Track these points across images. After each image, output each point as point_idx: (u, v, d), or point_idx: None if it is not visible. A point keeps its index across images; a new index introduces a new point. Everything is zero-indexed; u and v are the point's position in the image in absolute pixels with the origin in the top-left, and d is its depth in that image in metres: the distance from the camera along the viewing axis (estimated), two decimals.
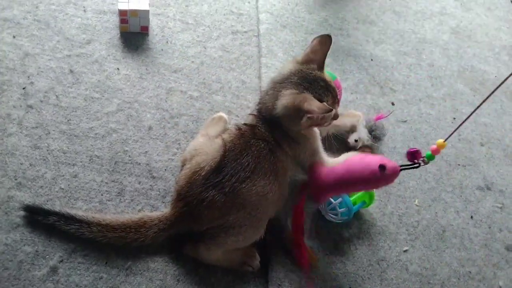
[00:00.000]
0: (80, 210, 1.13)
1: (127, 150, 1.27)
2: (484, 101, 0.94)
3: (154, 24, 1.57)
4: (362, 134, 1.38)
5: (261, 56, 1.59)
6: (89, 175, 1.21)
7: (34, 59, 1.37)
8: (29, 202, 1.11)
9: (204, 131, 1.29)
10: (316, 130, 1.20)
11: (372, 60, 1.72)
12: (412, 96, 1.65)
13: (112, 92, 1.37)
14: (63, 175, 1.19)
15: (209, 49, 1.57)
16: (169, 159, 1.29)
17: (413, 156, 1.03)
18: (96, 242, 1.08)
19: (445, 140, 0.98)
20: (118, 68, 1.43)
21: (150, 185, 1.23)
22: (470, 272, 1.29)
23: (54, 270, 1.05)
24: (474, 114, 0.96)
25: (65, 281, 1.05)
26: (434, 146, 1.00)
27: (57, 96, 1.32)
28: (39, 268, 1.05)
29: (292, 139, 1.14)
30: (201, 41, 1.58)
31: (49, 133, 1.25)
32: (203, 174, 1.07)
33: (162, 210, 1.19)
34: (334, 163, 1.17)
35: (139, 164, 1.26)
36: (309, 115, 1.03)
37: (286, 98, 1.09)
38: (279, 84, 1.13)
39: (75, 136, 1.26)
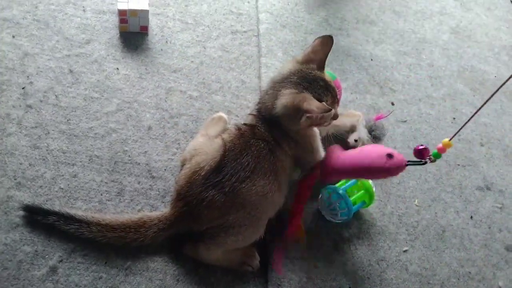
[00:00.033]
0: (79, 210, 1.13)
1: (126, 150, 1.27)
2: (487, 101, 0.95)
3: (153, 24, 1.57)
4: (362, 134, 1.38)
5: (261, 56, 1.59)
6: (88, 175, 1.21)
7: (33, 59, 1.37)
8: (29, 202, 1.11)
9: (204, 131, 1.29)
10: (315, 129, 1.20)
11: (372, 60, 1.72)
12: (412, 96, 1.65)
13: (112, 92, 1.37)
14: (62, 175, 1.19)
15: (209, 49, 1.56)
16: (169, 159, 1.29)
17: (420, 153, 1.06)
18: (96, 242, 1.07)
19: (450, 139, 1.00)
20: (117, 68, 1.43)
21: (150, 185, 1.23)
22: (469, 272, 1.29)
23: (53, 270, 1.05)
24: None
25: (65, 281, 1.05)
26: (440, 145, 1.02)
27: (56, 96, 1.32)
28: (38, 268, 1.05)
29: (292, 139, 1.14)
30: (201, 41, 1.58)
31: (49, 133, 1.25)
32: (203, 174, 1.07)
33: (161, 210, 1.19)
34: None
35: (139, 164, 1.26)
36: (308, 115, 1.04)
37: (285, 97, 1.09)
38: (278, 84, 1.13)
39: (74, 136, 1.26)
